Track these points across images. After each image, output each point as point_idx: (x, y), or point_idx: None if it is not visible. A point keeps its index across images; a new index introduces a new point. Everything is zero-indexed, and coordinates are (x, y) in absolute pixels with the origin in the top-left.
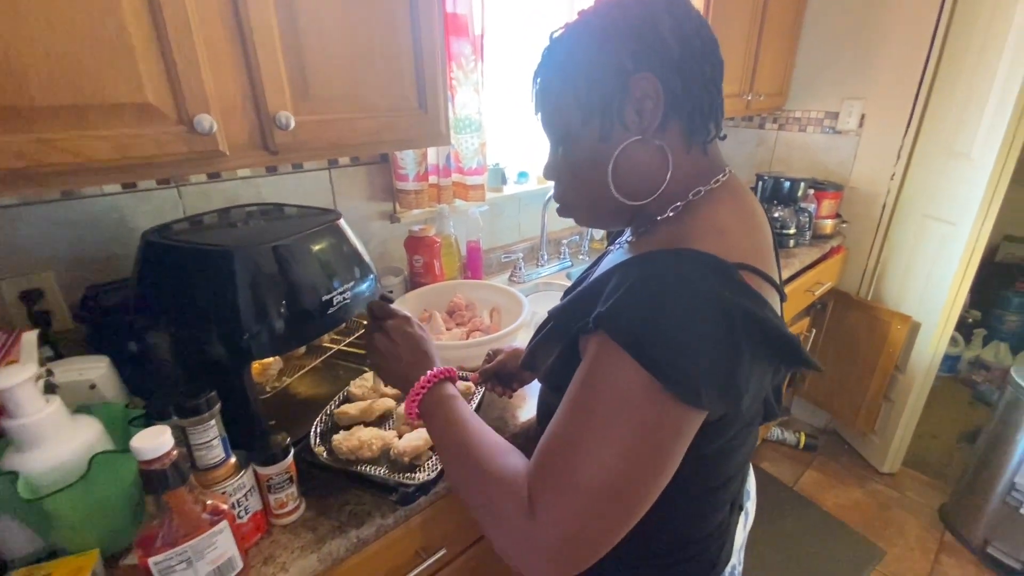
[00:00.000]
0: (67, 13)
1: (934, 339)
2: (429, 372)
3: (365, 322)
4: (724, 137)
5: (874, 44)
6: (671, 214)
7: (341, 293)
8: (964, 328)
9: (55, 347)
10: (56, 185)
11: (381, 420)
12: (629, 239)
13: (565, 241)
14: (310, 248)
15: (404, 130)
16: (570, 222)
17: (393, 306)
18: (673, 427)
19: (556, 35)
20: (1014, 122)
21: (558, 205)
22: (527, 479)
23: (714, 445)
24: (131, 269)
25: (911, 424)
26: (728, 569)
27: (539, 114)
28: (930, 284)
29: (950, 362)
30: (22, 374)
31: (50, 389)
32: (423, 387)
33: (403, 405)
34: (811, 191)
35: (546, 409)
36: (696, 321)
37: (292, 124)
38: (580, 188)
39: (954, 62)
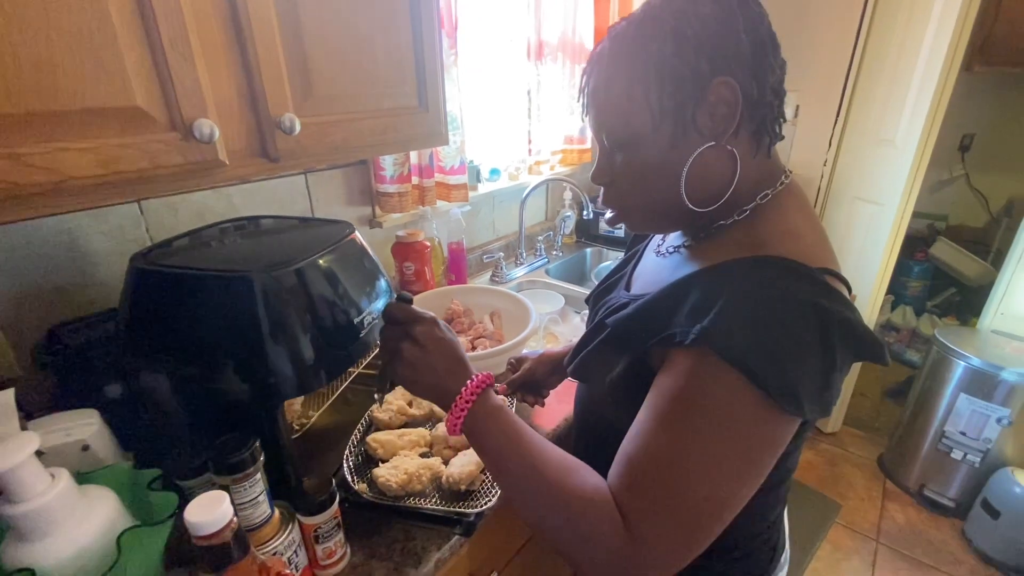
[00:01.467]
0: (36, 2)
1: (868, 308)
2: (470, 382)
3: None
4: (783, 138)
5: (805, 41)
6: (737, 218)
7: (370, 313)
8: None
9: (19, 403)
10: (30, 210)
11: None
12: (687, 244)
13: (540, 238)
14: (335, 266)
15: (407, 130)
16: (540, 218)
17: (416, 307)
18: (777, 439)
19: (618, 32)
20: (932, 111)
21: (610, 213)
22: (617, 498)
23: (791, 443)
24: (89, 301)
25: (849, 387)
26: (784, 555)
27: (592, 116)
28: (863, 259)
29: None
30: (24, 449)
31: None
32: (468, 400)
33: (440, 426)
34: None
35: (589, 416)
36: (800, 334)
37: (297, 127)
38: (642, 194)
39: (877, 57)
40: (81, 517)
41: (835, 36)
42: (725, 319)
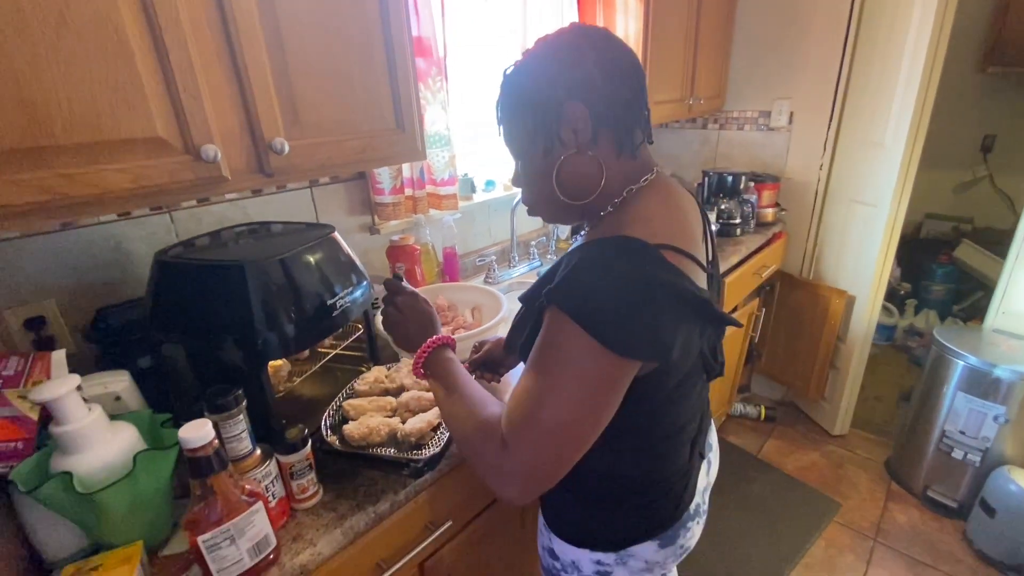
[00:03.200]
0: (83, 61)
1: (867, 308)
2: (430, 339)
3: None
4: (651, 142)
5: (796, 49)
6: (611, 209)
7: (342, 298)
8: (897, 299)
9: (71, 368)
10: (79, 215)
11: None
12: (582, 232)
13: (534, 243)
14: (313, 259)
15: (385, 148)
16: (537, 224)
17: (403, 283)
18: (609, 375)
19: (508, 72)
20: (917, 113)
21: (527, 207)
22: (501, 424)
23: (660, 395)
24: (130, 292)
25: (855, 388)
26: (693, 507)
27: (501, 135)
28: (860, 260)
29: (887, 331)
30: (68, 384)
31: None
32: (425, 351)
33: (404, 396)
34: (752, 183)
35: None
36: (622, 290)
37: (287, 149)
38: (537, 193)
39: (864, 63)
40: (109, 440)
41: (824, 44)
42: (565, 281)
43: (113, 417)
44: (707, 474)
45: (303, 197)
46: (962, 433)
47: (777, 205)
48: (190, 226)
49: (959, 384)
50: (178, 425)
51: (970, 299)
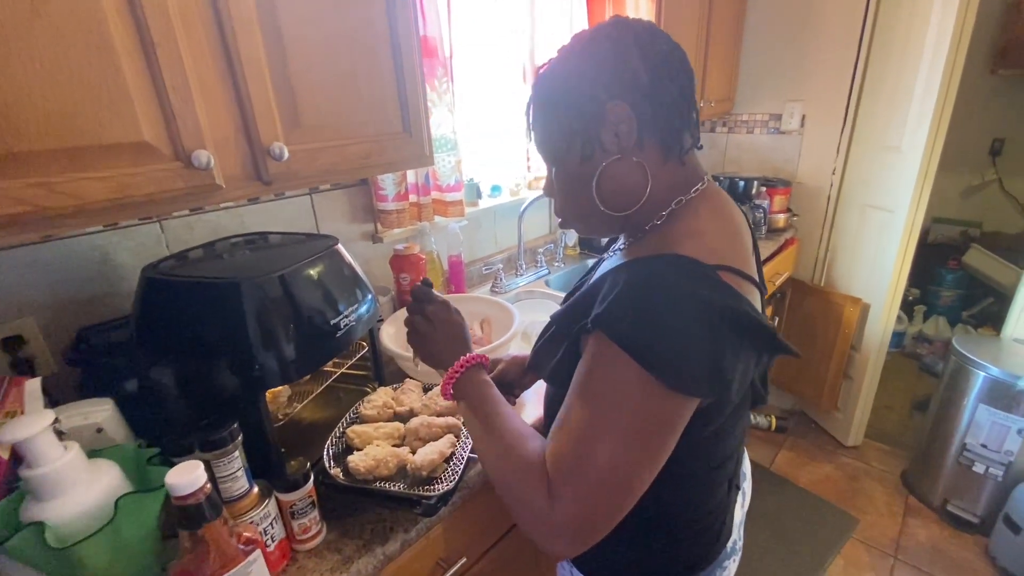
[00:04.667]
0: (60, 57)
1: (883, 317)
2: (463, 357)
3: (407, 306)
4: (701, 147)
5: (808, 50)
6: (658, 222)
7: (347, 316)
8: (905, 306)
9: (48, 393)
10: (58, 228)
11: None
12: (622, 246)
13: (541, 250)
14: (315, 274)
15: (391, 153)
16: (544, 231)
17: (433, 291)
18: (666, 414)
19: (542, 73)
20: (936, 116)
21: (559, 219)
22: (546, 466)
23: (709, 428)
24: (117, 308)
25: (869, 398)
26: (730, 544)
27: (532, 140)
28: (875, 267)
29: (896, 338)
30: (40, 423)
31: (58, 436)
32: (457, 371)
33: (413, 422)
34: (763, 188)
35: (553, 407)
36: (680, 318)
37: (286, 154)
38: (572, 203)
39: (880, 65)
40: (88, 483)
41: (838, 45)
42: (615, 306)
43: (94, 453)
44: (742, 506)
45: (302, 204)
46: (984, 447)
47: (789, 211)
48: (182, 236)
49: (980, 396)
50: (166, 459)
51: (980, 305)
